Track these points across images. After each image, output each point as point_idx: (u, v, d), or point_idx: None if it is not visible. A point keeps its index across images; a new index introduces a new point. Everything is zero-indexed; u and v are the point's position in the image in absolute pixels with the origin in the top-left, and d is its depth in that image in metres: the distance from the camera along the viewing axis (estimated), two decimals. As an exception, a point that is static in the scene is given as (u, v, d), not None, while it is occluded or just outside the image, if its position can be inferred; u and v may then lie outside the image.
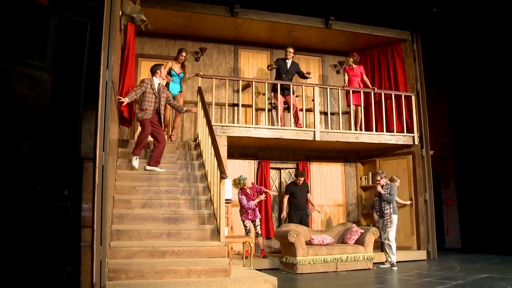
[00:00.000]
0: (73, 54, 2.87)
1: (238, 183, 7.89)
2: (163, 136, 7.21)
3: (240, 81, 9.04)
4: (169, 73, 8.30)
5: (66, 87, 2.80)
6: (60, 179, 2.69)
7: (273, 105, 9.56)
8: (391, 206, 7.95)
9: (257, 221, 7.96)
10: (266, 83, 9.18)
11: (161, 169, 7.00)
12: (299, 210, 9.00)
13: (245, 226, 7.88)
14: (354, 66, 9.83)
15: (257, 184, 9.29)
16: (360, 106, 9.55)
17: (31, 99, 2.63)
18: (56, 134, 2.72)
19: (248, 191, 7.94)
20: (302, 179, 9.03)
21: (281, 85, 9.01)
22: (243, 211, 7.87)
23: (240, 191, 7.91)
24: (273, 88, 9.31)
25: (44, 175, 2.63)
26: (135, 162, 6.92)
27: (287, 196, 9.08)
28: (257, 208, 7.93)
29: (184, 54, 8.52)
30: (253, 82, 9.00)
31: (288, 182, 9.62)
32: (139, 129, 7.36)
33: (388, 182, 8.19)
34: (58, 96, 2.74)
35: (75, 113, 2.82)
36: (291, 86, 9.03)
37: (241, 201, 7.82)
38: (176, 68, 8.45)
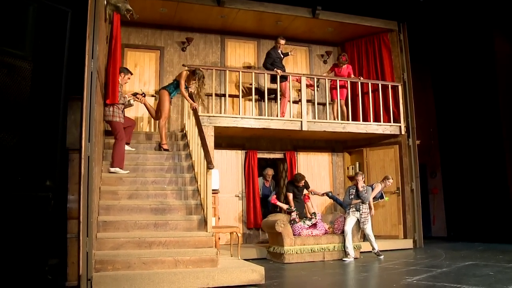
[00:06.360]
0: (54, 42, 2.81)
1: None
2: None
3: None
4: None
5: (47, 76, 2.74)
6: (42, 170, 2.65)
7: (280, 94, 9.17)
8: (367, 206, 8.01)
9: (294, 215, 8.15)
10: (253, 73, 9.16)
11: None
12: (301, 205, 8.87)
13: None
14: (343, 66, 9.88)
15: (244, 173, 9.37)
16: (345, 100, 9.66)
17: (10, 89, 2.56)
18: (37, 124, 2.66)
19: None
20: (302, 182, 8.72)
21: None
22: None
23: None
24: (282, 77, 9.10)
25: (25, 166, 2.59)
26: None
27: (291, 194, 8.76)
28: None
29: (196, 77, 7.80)
30: (240, 72, 8.96)
31: (287, 181, 9.51)
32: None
33: (365, 185, 8.18)
34: (39, 86, 2.67)
35: (57, 103, 2.77)
36: (278, 76, 8.97)
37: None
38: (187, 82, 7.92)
